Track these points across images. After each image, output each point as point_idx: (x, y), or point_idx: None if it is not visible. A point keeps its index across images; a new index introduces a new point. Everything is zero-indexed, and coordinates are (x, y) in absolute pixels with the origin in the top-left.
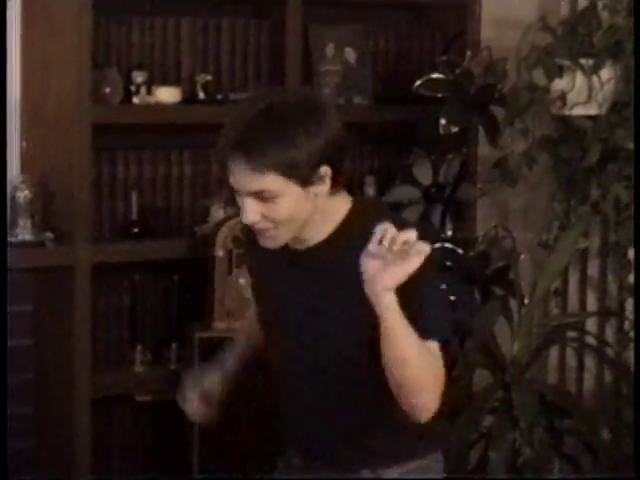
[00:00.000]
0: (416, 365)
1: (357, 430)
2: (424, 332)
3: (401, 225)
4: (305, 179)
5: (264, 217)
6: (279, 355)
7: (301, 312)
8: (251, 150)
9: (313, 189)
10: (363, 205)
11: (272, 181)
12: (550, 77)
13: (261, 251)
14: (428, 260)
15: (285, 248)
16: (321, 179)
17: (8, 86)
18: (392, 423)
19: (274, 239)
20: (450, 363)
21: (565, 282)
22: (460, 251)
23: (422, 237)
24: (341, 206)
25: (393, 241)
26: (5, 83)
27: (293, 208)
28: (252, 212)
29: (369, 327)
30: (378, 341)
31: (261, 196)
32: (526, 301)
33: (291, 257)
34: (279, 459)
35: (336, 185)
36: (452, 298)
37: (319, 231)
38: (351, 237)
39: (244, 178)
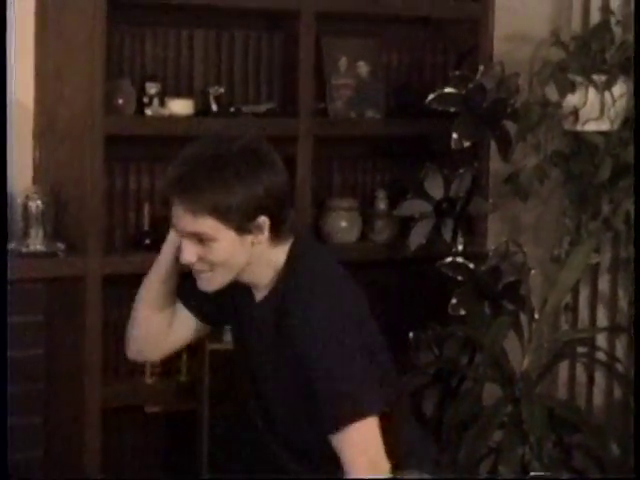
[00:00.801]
0: None
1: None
2: (348, 418)
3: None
4: (240, 227)
5: (200, 259)
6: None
7: (256, 354)
8: (187, 192)
9: (250, 238)
10: (298, 253)
11: (207, 224)
12: (562, 92)
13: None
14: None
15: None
16: (259, 229)
17: (22, 96)
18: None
19: (209, 282)
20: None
21: (576, 297)
22: (471, 265)
23: None
24: (280, 256)
25: None
26: (5, 88)
27: (228, 253)
28: (189, 253)
29: (300, 394)
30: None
31: (198, 238)
32: (536, 316)
33: (251, 303)
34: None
35: (277, 235)
36: (462, 312)
37: (259, 278)
38: (286, 290)
39: (181, 219)
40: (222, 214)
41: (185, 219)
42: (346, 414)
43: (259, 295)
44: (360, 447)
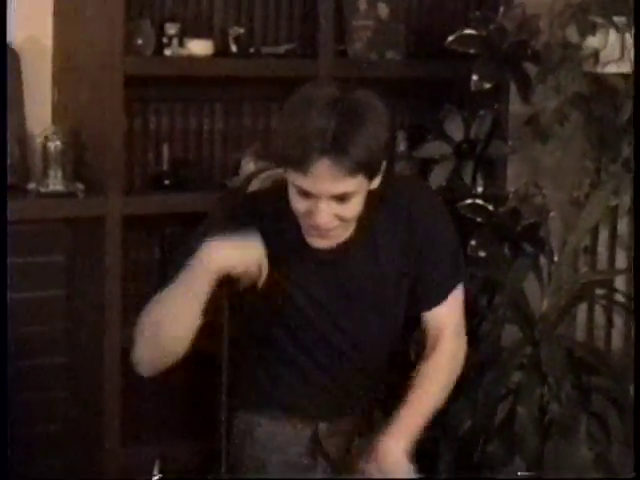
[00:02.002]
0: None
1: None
2: (448, 290)
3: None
4: (375, 175)
5: (335, 217)
6: (288, 332)
7: (329, 305)
8: (345, 155)
9: (373, 183)
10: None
11: (356, 181)
12: (583, 34)
13: (276, 240)
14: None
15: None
16: (381, 172)
17: (42, 37)
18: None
19: (336, 238)
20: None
21: (595, 239)
22: (491, 207)
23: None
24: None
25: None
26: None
27: (361, 205)
28: (329, 215)
29: (394, 315)
30: (401, 326)
31: (340, 197)
32: (556, 258)
33: (314, 255)
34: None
35: None
36: (482, 254)
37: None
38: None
39: (329, 183)
40: (370, 167)
41: (334, 182)
42: (448, 286)
43: (326, 243)
44: (453, 312)
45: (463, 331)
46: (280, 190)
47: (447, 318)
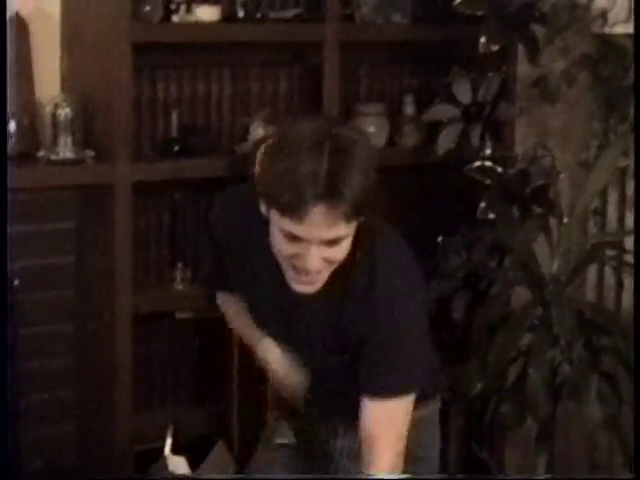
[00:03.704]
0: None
1: (349, 387)
2: (394, 389)
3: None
4: (368, 215)
5: (324, 260)
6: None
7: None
8: (341, 198)
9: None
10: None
11: (349, 225)
12: None
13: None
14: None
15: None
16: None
17: (50, 5)
18: None
19: (316, 283)
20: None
21: (604, 201)
22: (499, 169)
23: None
24: None
25: None
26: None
27: (348, 248)
28: (319, 260)
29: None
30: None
31: (332, 241)
32: (565, 220)
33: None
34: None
35: None
36: (491, 216)
37: None
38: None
39: (323, 228)
40: (362, 211)
41: (328, 227)
42: (396, 385)
43: (312, 289)
44: (393, 421)
45: (402, 452)
46: None
47: (386, 427)
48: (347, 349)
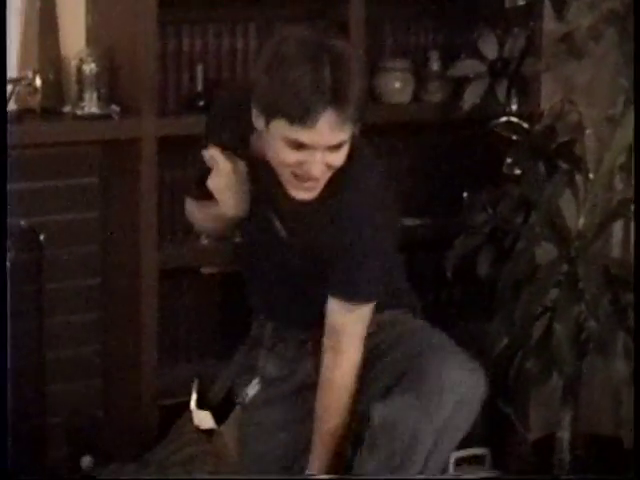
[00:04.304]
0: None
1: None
2: (354, 296)
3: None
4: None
5: (326, 166)
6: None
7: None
8: (347, 104)
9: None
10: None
11: (350, 129)
12: None
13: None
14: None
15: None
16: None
17: None
18: None
19: (317, 189)
20: None
21: (630, 157)
22: (525, 125)
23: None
24: None
25: None
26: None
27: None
28: (322, 164)
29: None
30: None
31: (335, 147)
32: (591, 176)
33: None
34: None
35: None
36: (517, 172)
37: None
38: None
39: (330, 132)
40: (363, 114)
41: (336, 131)
42: (362, 294)
43: (311, 195)
44: (355, 327)
45: (360, 350)
46: None
47: (350, 326)
48: (315, 251)
